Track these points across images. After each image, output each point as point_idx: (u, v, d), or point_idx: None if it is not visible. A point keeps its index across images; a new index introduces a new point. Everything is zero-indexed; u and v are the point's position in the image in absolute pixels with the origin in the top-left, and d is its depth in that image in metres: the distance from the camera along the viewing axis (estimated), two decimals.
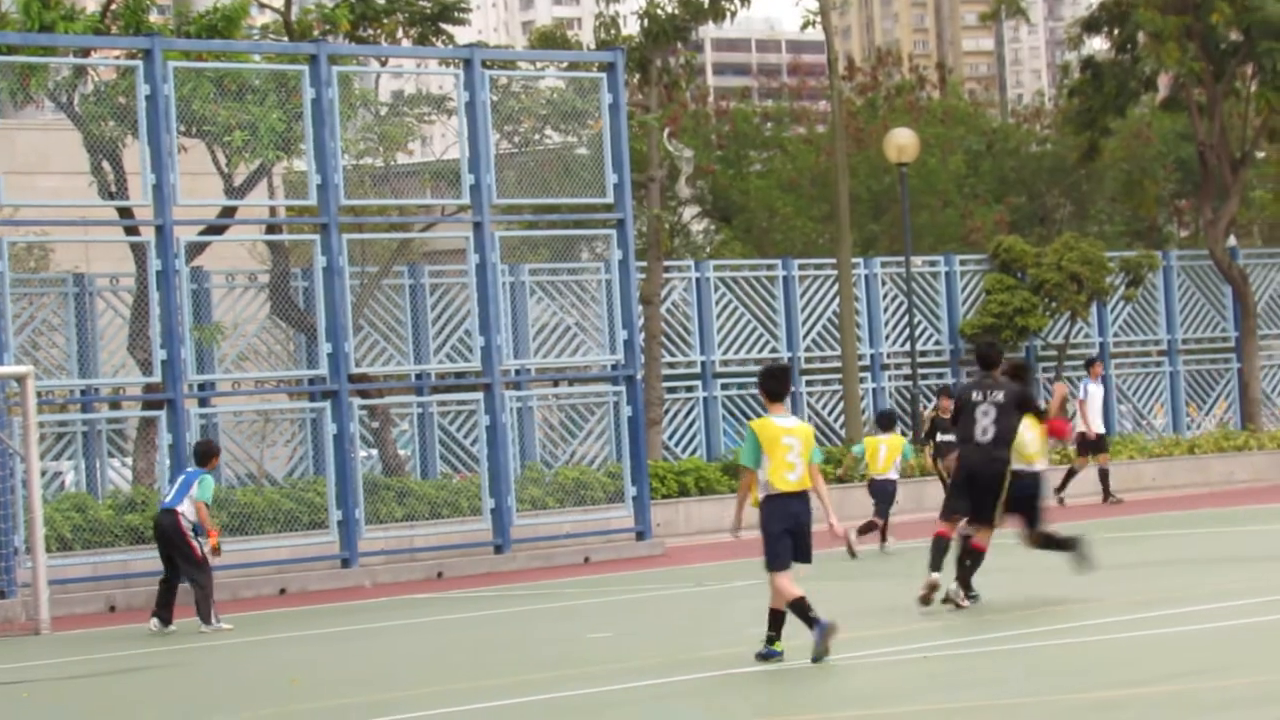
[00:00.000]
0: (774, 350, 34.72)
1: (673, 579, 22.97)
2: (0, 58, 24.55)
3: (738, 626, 17.38)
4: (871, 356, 35.54)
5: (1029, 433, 17.36)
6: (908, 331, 35.37)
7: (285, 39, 29.26)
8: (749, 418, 34.45)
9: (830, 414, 35.07)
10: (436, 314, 30.89)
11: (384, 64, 30.14)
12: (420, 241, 30.90)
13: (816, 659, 14.09)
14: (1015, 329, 36.16)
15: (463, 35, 32.46)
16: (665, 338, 33.45)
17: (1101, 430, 32.00)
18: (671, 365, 33.78)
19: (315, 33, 28.78)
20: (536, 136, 29.47)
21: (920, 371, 35.57)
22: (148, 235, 25.06)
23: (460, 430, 30.42)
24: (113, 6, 27.15)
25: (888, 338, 35.85)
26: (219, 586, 24.25)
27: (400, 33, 30.87)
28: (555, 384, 32.27)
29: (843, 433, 34.25)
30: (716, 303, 34.26)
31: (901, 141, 35.72)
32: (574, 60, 30.59)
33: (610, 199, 27.73)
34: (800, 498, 14.31)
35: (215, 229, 27.52)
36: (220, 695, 15.44)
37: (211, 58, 25.84)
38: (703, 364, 34.08)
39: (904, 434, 28.10)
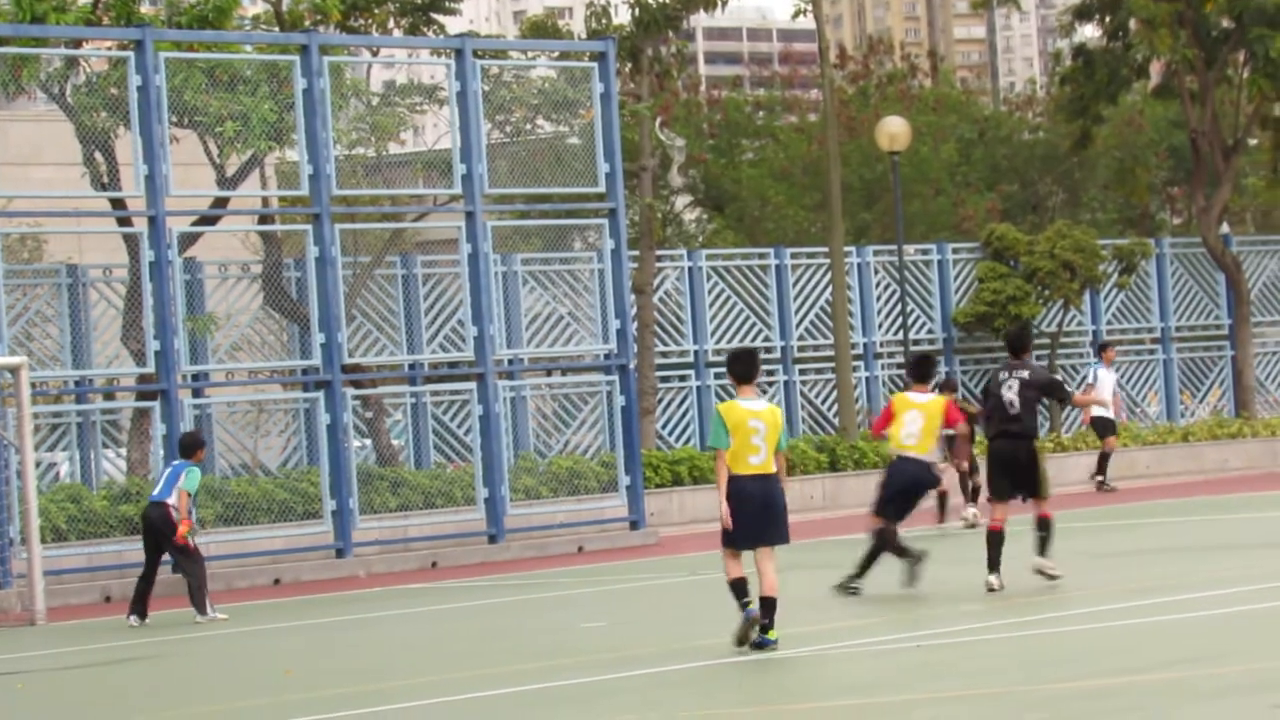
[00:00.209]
0: (767, 339, 34.73)
1: (666, 568, 22.99)
2: None
3: (731, 615, 17.40)
4: (864, 345, 35.56)
5: (919, 420, 17.72)
6: (900, 320, 35.38)
7: (276, 29, 29.24)
8: None
9: (823, 403, 35.10)
10: (429, 304, 30.89)
11: (375, 54, 30.12)
12: (413, 231, 30.88)
13: (739, 643, 14.37)
14: (1008, 317, 36.17)
15: (454, 25, 32.45)
16: (658, 327, 33.46)
17: (1110, 416, 31.97)
18: (664, 355, 33.80)
19: (306, 23, 28.76)
20: (528, 126, 29.45)
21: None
22: (140, 226, 25.04)
23: (454, 420, 30.43)
24: None
25: (880, 326, 35.87)
26: (213, 577, 24.26)
27: (391, 23, 30.85)
28: (548, 373, 32.28)
29: (836, 421, 34.27)
30: (709, 292, 34.27)
31: (893, 130, 35.72)
32: (565, 50, 30.58)
33: (602, 188, 27.73)
34: (763, 480, 14.37)
35: (208, 219, 27.50)
36: (215, 686, 15.45)
37: (203, 48, 25.82)
38: (695, 353, 34.08)
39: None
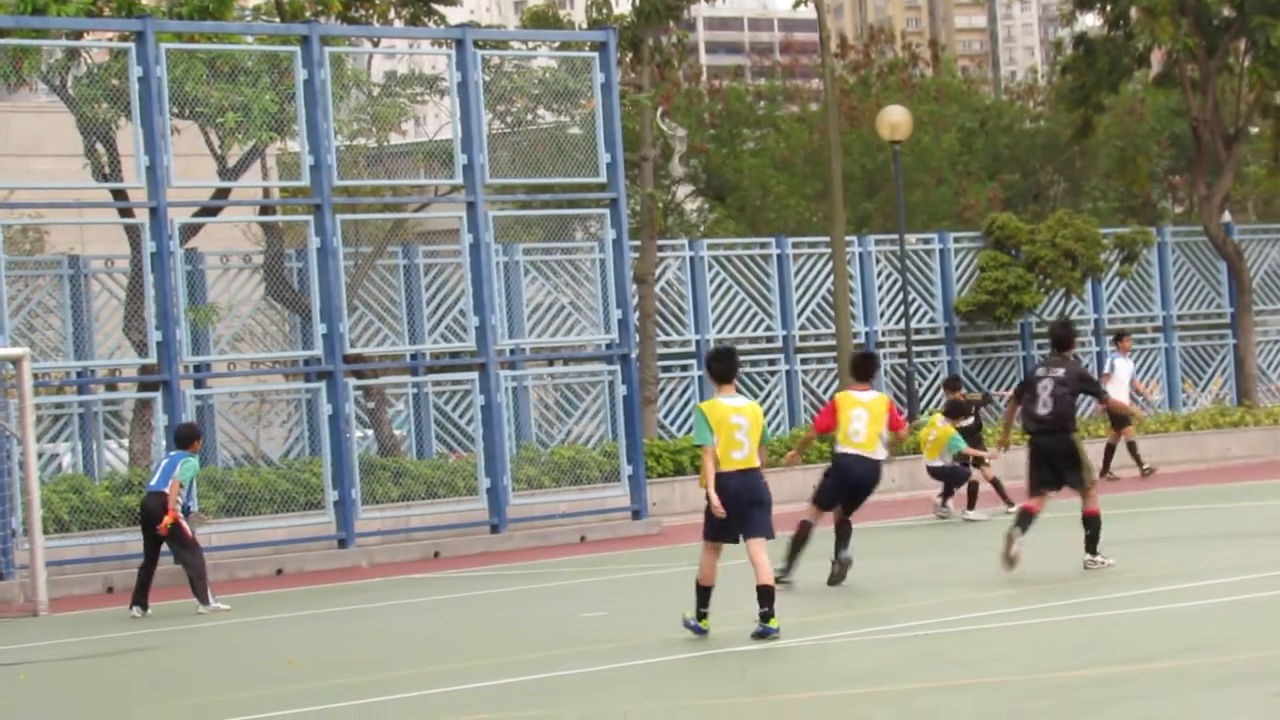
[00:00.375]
0: (769, 329, 34.73)
1: (668, 558, 22.99)
2: None
3: (733, 605, 17.41)
4: (866, 334, 35.55)
5: (864, 419, 17.92)
6: (902, 309, 35.38)
7: (277, 20, 29.22)
8: (744, 396, 34.52)
9: (825, 392, 35.09)
10: (431, 294, 30.89)
11: (376, 44, 30.12)
12: (414, 222, 30.89)
13: (684, 624, 14.70)
14: (1010, 306, 36.17)
15: (454, 15, 32.43)
16: (660, 317, 33.46)
17: (1127, 406, 31.92)
18: (666, 344, 33.80)
19: (307, 14, 28.74)
20: (529, 116, 29.44)
21: (915, 349, 35.59)
22: (142, 217, 25.04)
23: (456, 410, 30.44)
24: None
25: (882, 315, 35.87)
26: (215, 567, 24.28)
27: (392, 13, 30.84)
28: (550, 363, 32.29)
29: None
30: (711, 281, 34.27)
31: (895, 119, 35.71)
32: (566, 40, 30.56)
33: (603, 178, 27.72)
34: (748, 475, 14.54)
35: (209, 210, 27.51)
36: (218, 676, 15.46)
37: (204, 39, 25.81)
38: (697, 343, 34.08)
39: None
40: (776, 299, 34.79)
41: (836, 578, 18.05)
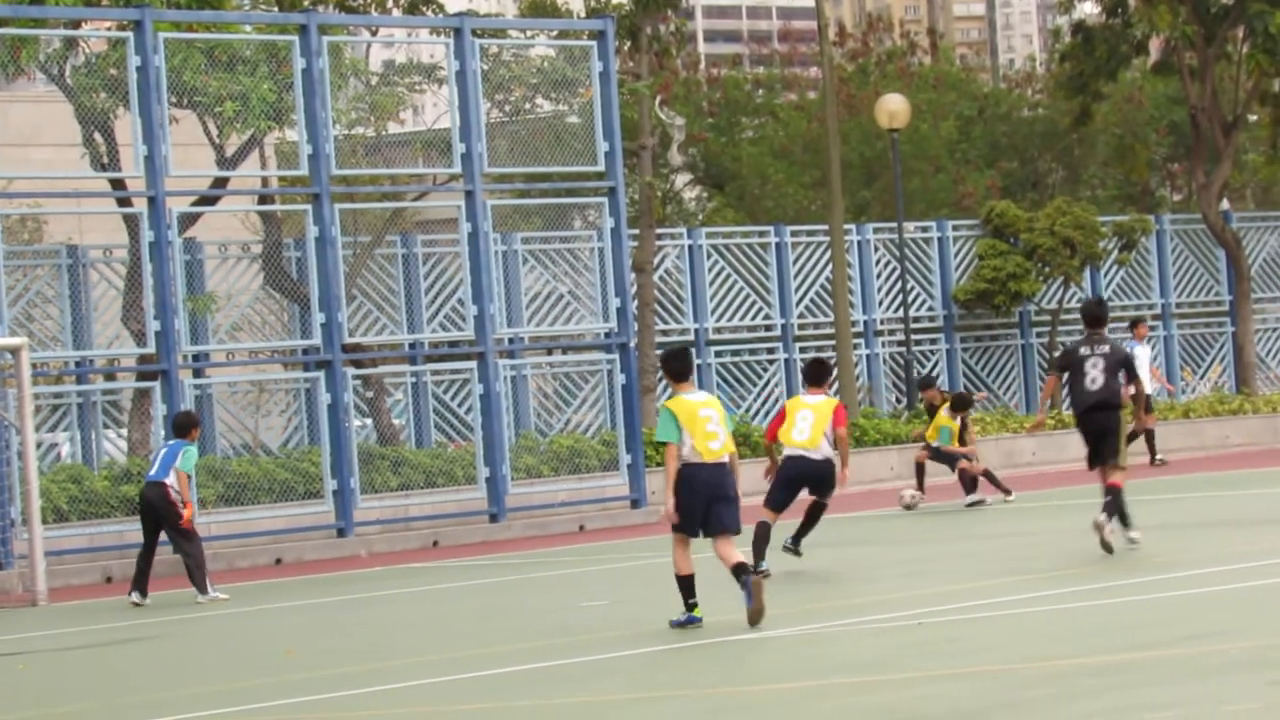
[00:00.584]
0: (767, 317, 34.74)
1: (668, 547, 22.93)
2: None
3: (732, 594, 17.43)
4: (865, 323, 35.57)
5: (809, 419, 18.08)
6: (901, 297, 35.39)
7: (275, 9, 29.22)
8: (743, 385, 34.56)
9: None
10: (429, 283, 30.90)
11: (374, 33, 30.10)
12: (412, 211, 30.89)
13: (673, 625, 14.70)
14: (1008, 294, 36.18)
15: (453, 4, 32.40)
16: (658, 305, 33.47)
17: (1147, 391, 31.85)
18: (665, 333, 33.80)
19: (305, 2, 28.74)
20: (527, 105, 29.44)
21: (914, 337, 35.60)
22: (140, 206, 25.04)
23: (454, 399, 30.45)
24: None
25: (881, 304, 35.88)
26: (214, 557, 24.31)
27: (390, 2, 30.82)
28: (549, 352, 32.30)
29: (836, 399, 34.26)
30: (709, 270, 34.27)
31: (893, 107, 35.70)
32: (564, 29, 30.55)
33: (602, 167, 27.72)
34: (720, 468, 14.66)
35: (207, 200, 27.52)
36: (216, 665, 15.48)
37: (202, 28, 25.80)
38: (696, 331, 34.09)
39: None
40: (775, 287, 34.79)
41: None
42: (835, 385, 34.39)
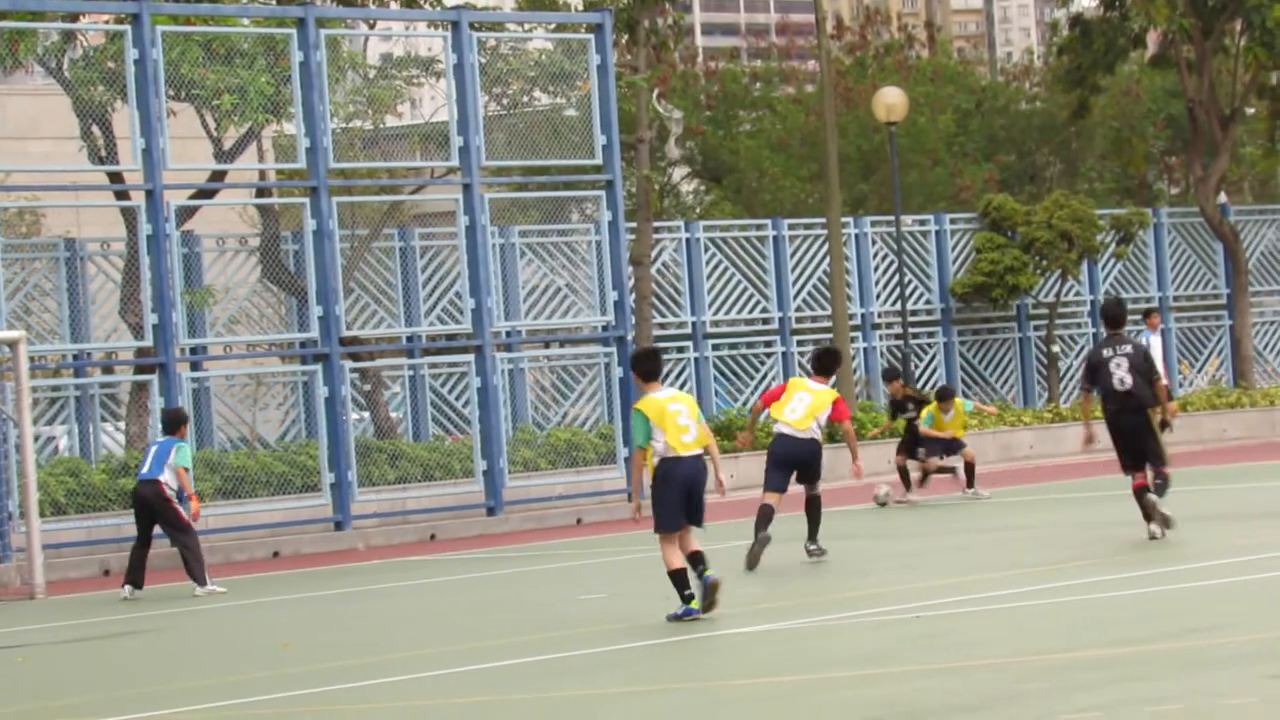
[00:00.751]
0: (765, 310, 34.74)
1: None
2: None
3: (730, 587, 17.44)
4: (862, 316, 35.58)
5: (805, 401, 18.45)
6: (898, 291, 35.39)
7: (273, 2, 29.19)
8: (740, 378, 34.57)
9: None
10: (427, 276, 30.89)
11: (372, 26, 30.09)
12: (410, 204, 30.89)
13: (671, 619, 14.81)
14: (1006, 288, 36.19)
15: None
16: (656, 299, 33.47)
17: (1164, 383, 31.73)
18: (662, 326, 33.81)
19: None
20: (525, 98, 29.43)
21: (911, 330, 35.60)
22: (138, 199, 25.04)
23: (452, 392, 30.45)
24: None
25: (878, 297, 35.88)
26: (212, 550, 24.32)
27: None
28: (546, 345, 32.30)
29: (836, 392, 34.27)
30: (707, 263, 34.27)
31: (890, 101, 35.70)
32: (562, 22, 30.53)
33: (599, 160, 27.72)
34: (696, 460, 14.90)
35: (205, 193, 27.51)
36: (214, 658, 15.49)
37: (199, 21, 25.79)
38: (693, 325, 34.09)
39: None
40: (772, 280, 34.80)
41: (753, 558, 18.30)
42: (834, 379, 34.41)
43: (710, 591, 14.75)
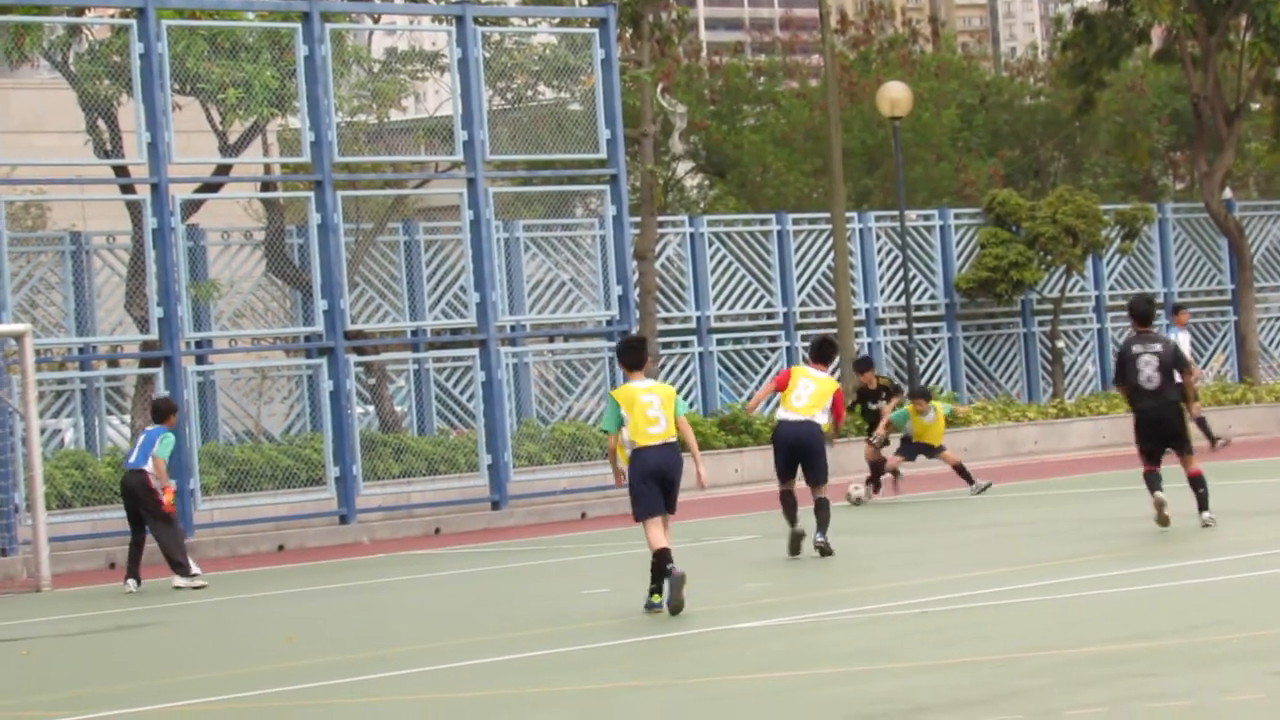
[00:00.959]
0: (769, 305, 34.74)
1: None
2: None
3: (734, 582, 17.46)
4: (866, 311, 35.57)
5: (810, 389, 18.76)
6: (902, 286, 35.39)
7: None
8: (745, 373, 34.58)
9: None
10: (431, 270, 30.91)
11: (376, 20, 30.08)
12: (414, 198, 30.90)
13: (674, 611, 14.89)
14: (1010, 283, 36.18)
15: None
16: (660, 293, 33.48)
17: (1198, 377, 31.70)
18: (667, 321, 33.82)
19: None
20: (529, 92, 29.44)
21: (915, 326, 35.61)
22: (143, 193, 25.07)
23: (456, 386, 30.47)
24: None
25: (882, 292, 35.88)
26: (216, 543, 24.38)
27: None
28: (550, 340, 32.31)
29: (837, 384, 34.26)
30: (711, 258, 34.27)
31: (895, 95, 35.69)
32: (566, 16, 30.54)
33: (604, 154, 27.73)
34: (665, 449, 15.11)
35: (210, 186, 27.53)
36: (219, 651, 15.51)
37: (205, 16, 25.81)
38: (698, 319, 34.10)
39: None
40: (777, 275, 34.81)
41: (794, 548, 18.65)
42: (838, 374, 34.46)
43: (675, 587, 14.88)
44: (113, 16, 26.01)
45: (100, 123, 26.14)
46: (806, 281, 35.18)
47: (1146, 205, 39.05)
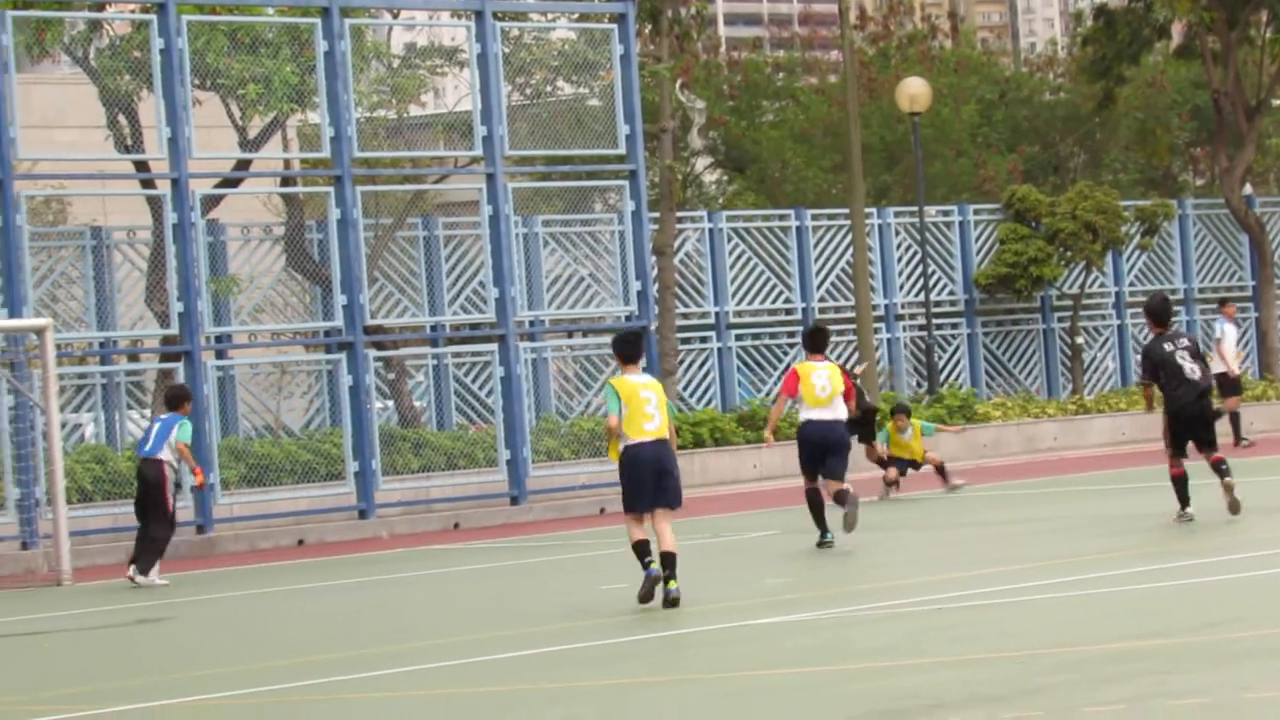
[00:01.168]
0: (788, 301, 34.73)
1: (688, 530, 23.01)
2: (16, 13, 24.54)
3: (754, 577, 17.47)
4: (885, 307, 35.54)
5: (824, 377, 19.03)
6: (922, 282, 35.36)
7: None
8: (763, 369, 34.57)
9: (845, 365, 35.06)
10: (450, 265, 30.93)
11: (396, 16, 30.10)
12: (434, 193, 30.94)
13: (642, 600, 15.15)
14: (1030, 279, 36.13)
15: None
16: (679, 289, 33.47)
17: (1237, 371, 31.69)
18: (685, 316, 33.80)
19: None
20: (548, 88, 29.44)
21: (935, 322, 35.57)
22: (164, 188, 25.12)
23: (475, 382, 30.49)
24: None
25: (902, 288, 35.85)
26: (236, 538, 24.43)
27: None
28: (569, 335, 32.32)
29: (857, 383, 34.27)
30: (730, 253, 34.26)
31: (914, 91, 35.65)
32: (585, 11, 30.55)
33: (622, 150, 27.74)
34: (659, 445, 15.31)
35: (230, 182, 27.58)
36: (238, 646, 15.55)
37: (225, 11, 25.85)
38: (717, 315, 34.09)
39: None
40: (796, 271, 34.79)
41: (849, 523, 18.80)
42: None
43: (671, 604, 15.08)
44: (133, 12, 26.07)
45: (121, 118, 26.20)
46: (825, 277, 35.16)
47: (1167, 201, 38.98)
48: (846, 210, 34.95)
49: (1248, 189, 41.18)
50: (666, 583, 15.15)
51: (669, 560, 15.19)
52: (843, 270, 35.10)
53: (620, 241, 28.46)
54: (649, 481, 15.25)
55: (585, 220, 32.24)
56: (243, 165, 27.58)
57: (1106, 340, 37.88)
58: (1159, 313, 19.08)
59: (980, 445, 33.07)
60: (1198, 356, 18.88)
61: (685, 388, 33.51)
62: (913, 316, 36.04)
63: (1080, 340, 37.12)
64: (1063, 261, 36.51)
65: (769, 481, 29.42)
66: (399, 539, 25.05)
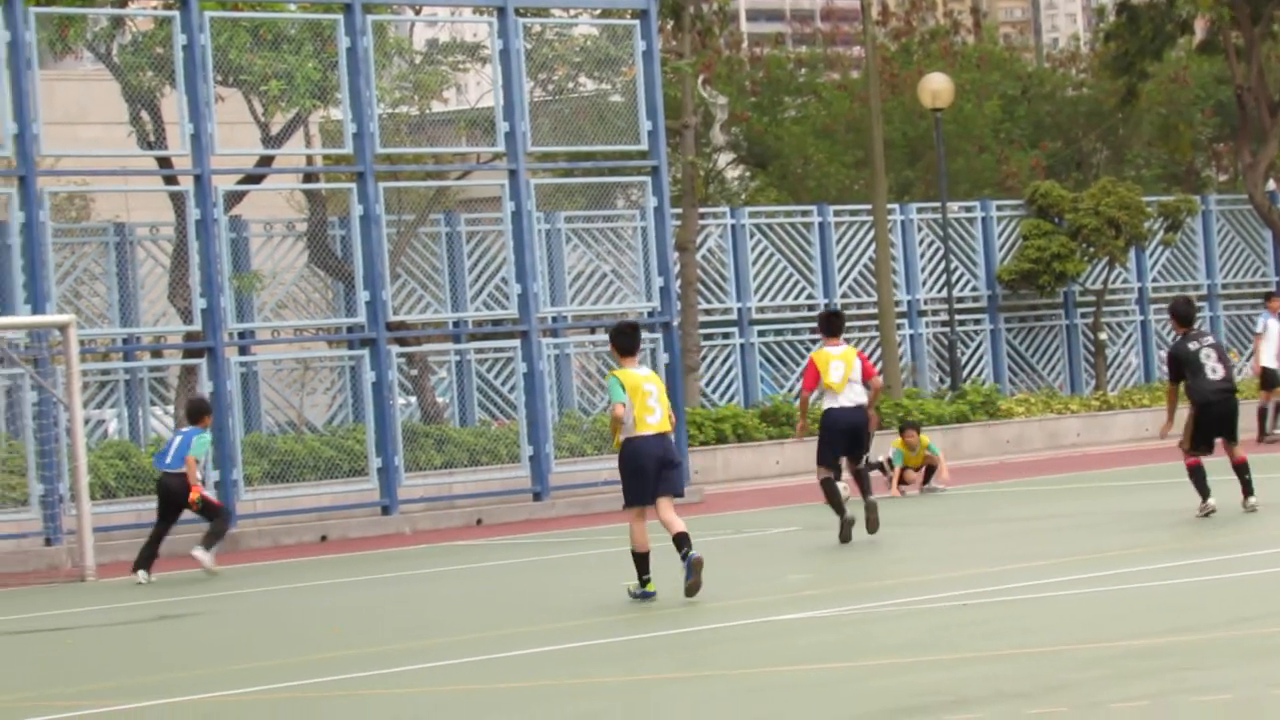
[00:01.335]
0: (810, 297, 34.70)
1: (711, 526, 23.02)
2: (39, 9, 24.59)
3: (776, 573, 17.46)
4: (908, 303, 35.50)
5: (840, 368, 19.17)
6: (944, 278, 35.31)
7: None
8: (785, 365, 34.55)
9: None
10: (473, 261, 30.94)
11: (418, 12, 30.14)
12: (456, 189, 30.94)
13: (632, 595, 15.47)
14: (1053, 275, 36.07)
15: None
16: (701, 285, 33.46)
17: (1275, 366, 31.63)
18: (708, 312, 33.79)
19: None
20: (570, 84, 29.43)
21: (957, 318, 35.52)
22: (186, 185, 25.16)
23: (498, 378, 30.50)
24: None
25: (924, 284, 35.81)
26: (259, 533, 24.47)
27: None
28: (592, 331, 32.33)
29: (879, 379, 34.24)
30: (752, 249, 34.24)
31: (936, 87, 35.60)
32: (607, 8, 30.53)
33: (645, 146, 27.73)
34: (662, 438, 15.42)
35: (253, 178, 27.61)
36: (259, 641, 15.57)
37: (247, 7, 25.89)
38: (739, 311, 34.07)
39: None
40: (818, 267, 34.76)
41: (872, 524, 18.82)
42: (880, 366, 34.40)
43: (693, 570, 15.15)
44: (156, 8, 26.11)
45: (143, 114, 26.24)
46: (848, 273, 35.13)
47: (1189, 197, 38.88)
48: (869, 206, 34.90)
49: (1271, 184, 41.05)
50: (686, 555, 15.18)
51: (683, 539, 15.27)
52: (865, 266, 35.06)
53: (642, 237, 28.45)
54: (652, 474, 15.34)
55: (607, 216, 32.23)
56: (265, 161, 27.61)
57: (1129, 336, 37.79)
58: (1183, 313, 19.37)
59: (1003, 441, 33.02)
60: (1223, 356, 19.06)
61: (708, 383, 33.49)
62: (935, 312, 35.99)
63: (1103, 336, 37.04)
64: (1085, 257, 36.44)
65: (791, 478, 29.39)
66: (421, 535, 25.07)
